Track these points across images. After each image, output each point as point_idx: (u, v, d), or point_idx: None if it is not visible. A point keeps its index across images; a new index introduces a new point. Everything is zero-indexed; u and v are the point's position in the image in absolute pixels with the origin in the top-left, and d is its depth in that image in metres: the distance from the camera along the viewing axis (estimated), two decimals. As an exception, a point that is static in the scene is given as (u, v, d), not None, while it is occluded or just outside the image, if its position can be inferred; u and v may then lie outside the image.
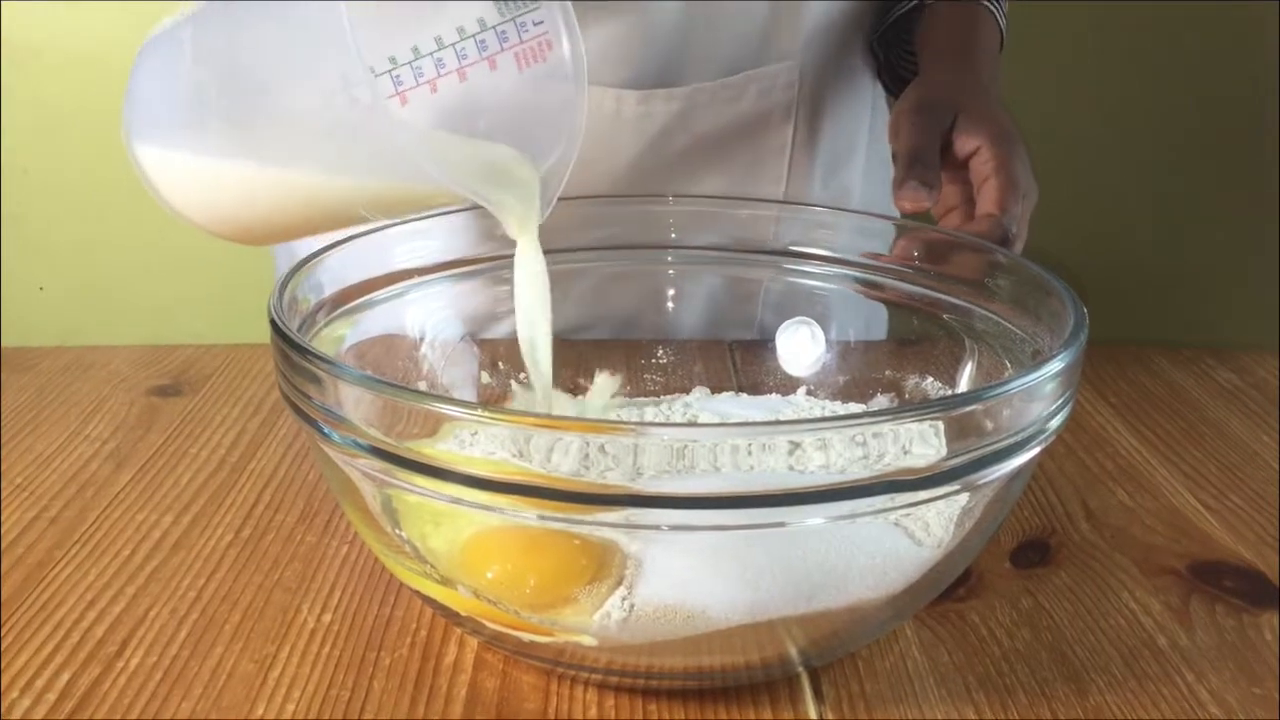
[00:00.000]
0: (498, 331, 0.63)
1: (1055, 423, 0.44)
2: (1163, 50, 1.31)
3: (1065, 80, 1.29)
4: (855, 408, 0.63)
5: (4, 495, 0.62)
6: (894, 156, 0.65)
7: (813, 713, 0.47)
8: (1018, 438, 0.42)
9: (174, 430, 0.69)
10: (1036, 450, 0.44)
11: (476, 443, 0.45)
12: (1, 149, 1.30)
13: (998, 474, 0.43)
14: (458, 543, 0.45)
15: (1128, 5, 1.28)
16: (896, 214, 0.63)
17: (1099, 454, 0.68)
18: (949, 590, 0.50)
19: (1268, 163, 1.33)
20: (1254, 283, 1.37)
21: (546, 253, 0.61)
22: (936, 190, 0.62)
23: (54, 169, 1.32)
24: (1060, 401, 0.44)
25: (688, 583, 0.43)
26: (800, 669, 0.48)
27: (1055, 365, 0.43)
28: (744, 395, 0.65)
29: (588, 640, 0.44)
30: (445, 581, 0.45)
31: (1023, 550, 0.58)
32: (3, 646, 0.50)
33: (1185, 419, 0.73)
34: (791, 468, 0.39)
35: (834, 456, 0.39)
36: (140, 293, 1.35)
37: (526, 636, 0.44)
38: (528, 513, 0.41)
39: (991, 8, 0.78)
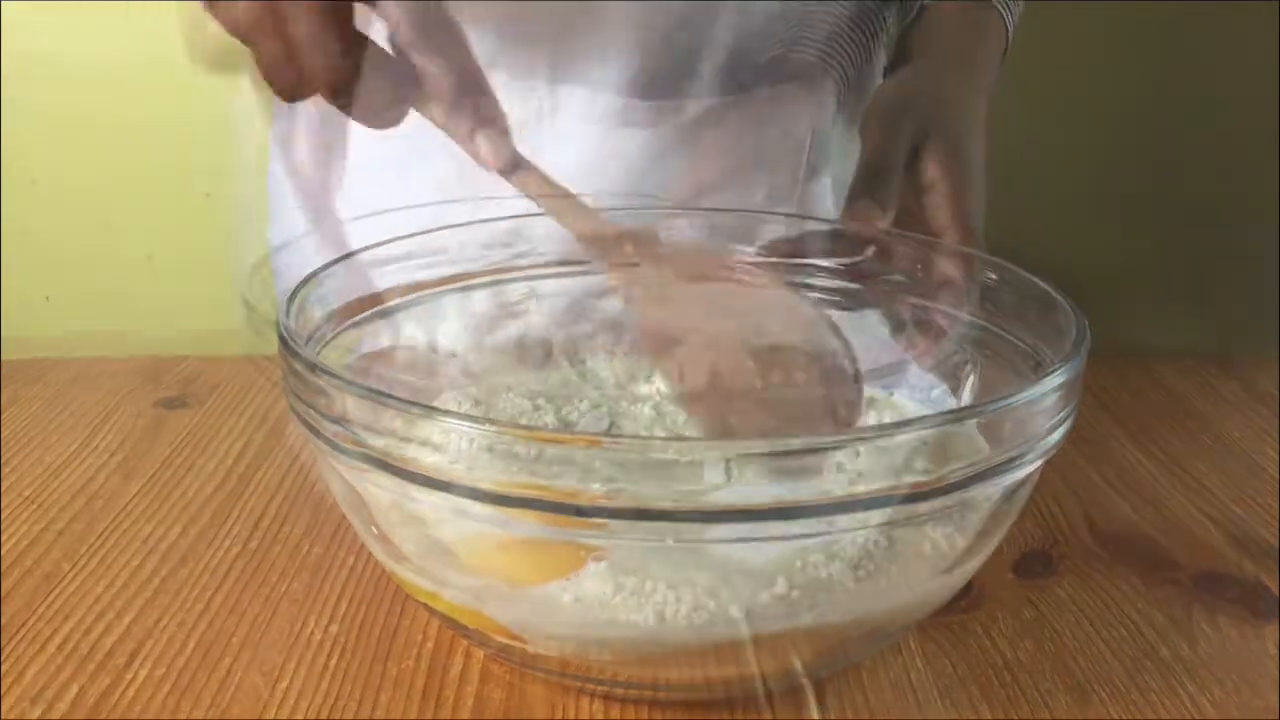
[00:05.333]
0: (505, 340, 0.63)
1: (1057, 435, 0.45)
2: (1163, 54, 1.31)
3: (1064, 85, 1.29)
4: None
5: (13, 507, 0.62)
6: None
7: (817, 724, 0.47)
8: (1020, 450, 0.43)
9: (181, 442, 0.70)
10: (1039, 463, 0.44)
11: (480, 452, 0.45)
12: (9, 159, 1.30)
13: (1000, 487, 0.43)
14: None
15: (1130, 6, 1.28)
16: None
17: (1101, 465, 0.68)
18: (951, 601, 0.50)
19: (1271, 167, 1.33)
20: (1259, 291, 1.37)
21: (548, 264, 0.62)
22: (890, 210, 0.60)
23: (61, 179, 1.32)
24: (1062, 414, 0.45)
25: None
26: (804, 680, 0.48)
27: (1057, 378, 0.44)
28: None
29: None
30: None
31: (1025, 561, 0.59)
32: (13, 658, 0.50)
33: (1188, 430, 0.73)
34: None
35: (834, 471, 0.39)
36: (147, 304, 1.35)
37: (533, 649, 0.45)
38: (533, 526, 0.41)
39: (1003, 12, 0.75)
